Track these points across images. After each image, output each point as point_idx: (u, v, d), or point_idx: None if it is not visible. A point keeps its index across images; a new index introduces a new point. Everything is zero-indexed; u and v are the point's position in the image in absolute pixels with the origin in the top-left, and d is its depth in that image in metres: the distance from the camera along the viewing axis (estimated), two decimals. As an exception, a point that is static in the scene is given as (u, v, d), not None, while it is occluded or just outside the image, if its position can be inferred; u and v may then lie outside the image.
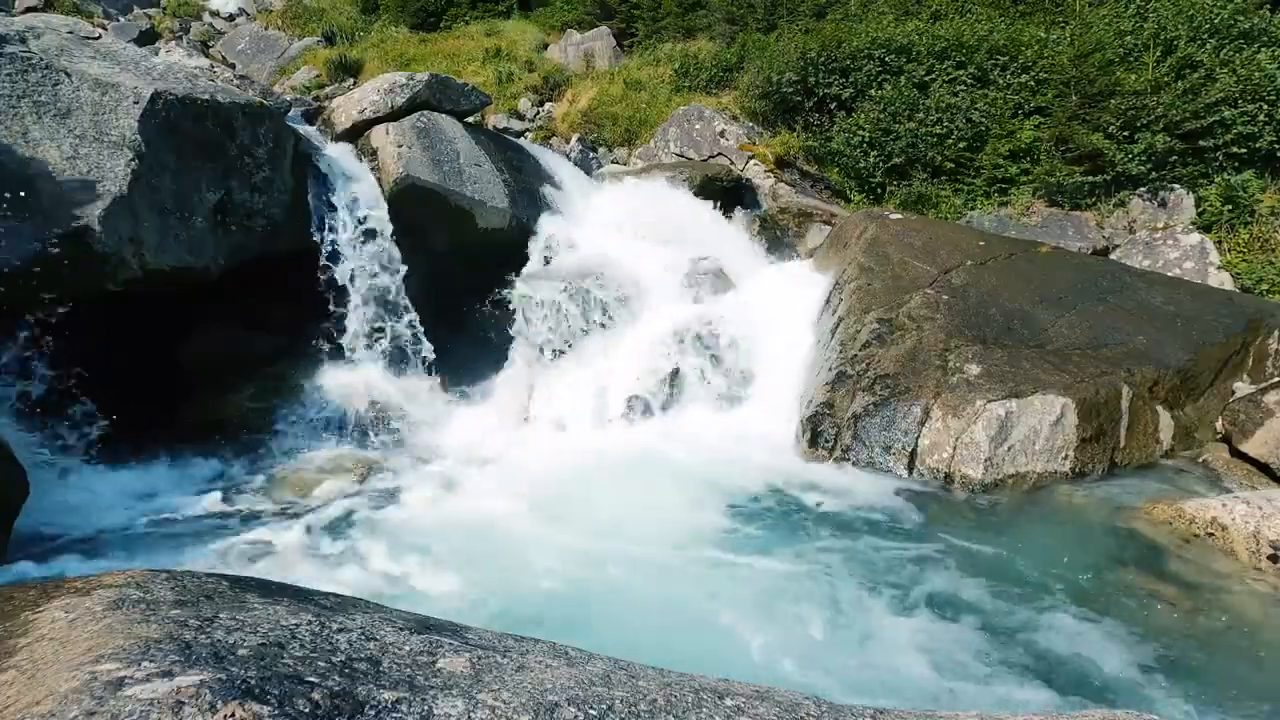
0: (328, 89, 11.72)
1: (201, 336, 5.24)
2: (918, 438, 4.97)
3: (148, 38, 12.58)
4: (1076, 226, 7.80)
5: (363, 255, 5.58)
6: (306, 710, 1.34)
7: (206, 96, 4.89)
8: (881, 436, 5.06)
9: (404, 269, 5.68)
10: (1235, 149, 7.73)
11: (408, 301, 5.71)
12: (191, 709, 1.25)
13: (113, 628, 1.59)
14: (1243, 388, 5.52)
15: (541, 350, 6.18)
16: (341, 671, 1.53)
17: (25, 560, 3.69)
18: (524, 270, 6.39)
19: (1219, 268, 7.13)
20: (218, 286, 4.95)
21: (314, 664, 1.54)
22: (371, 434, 5.39)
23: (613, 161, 9.67)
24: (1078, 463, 4.88)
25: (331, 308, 5.50)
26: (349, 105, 6.20)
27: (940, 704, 3.00)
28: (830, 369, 5.56)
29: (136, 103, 4.47)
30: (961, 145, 8.29)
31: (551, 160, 7.49)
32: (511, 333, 6.22)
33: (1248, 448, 5.07)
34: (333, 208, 5.54)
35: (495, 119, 10.97)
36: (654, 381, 5.97)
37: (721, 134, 9.01)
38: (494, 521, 4.35)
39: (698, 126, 9.21)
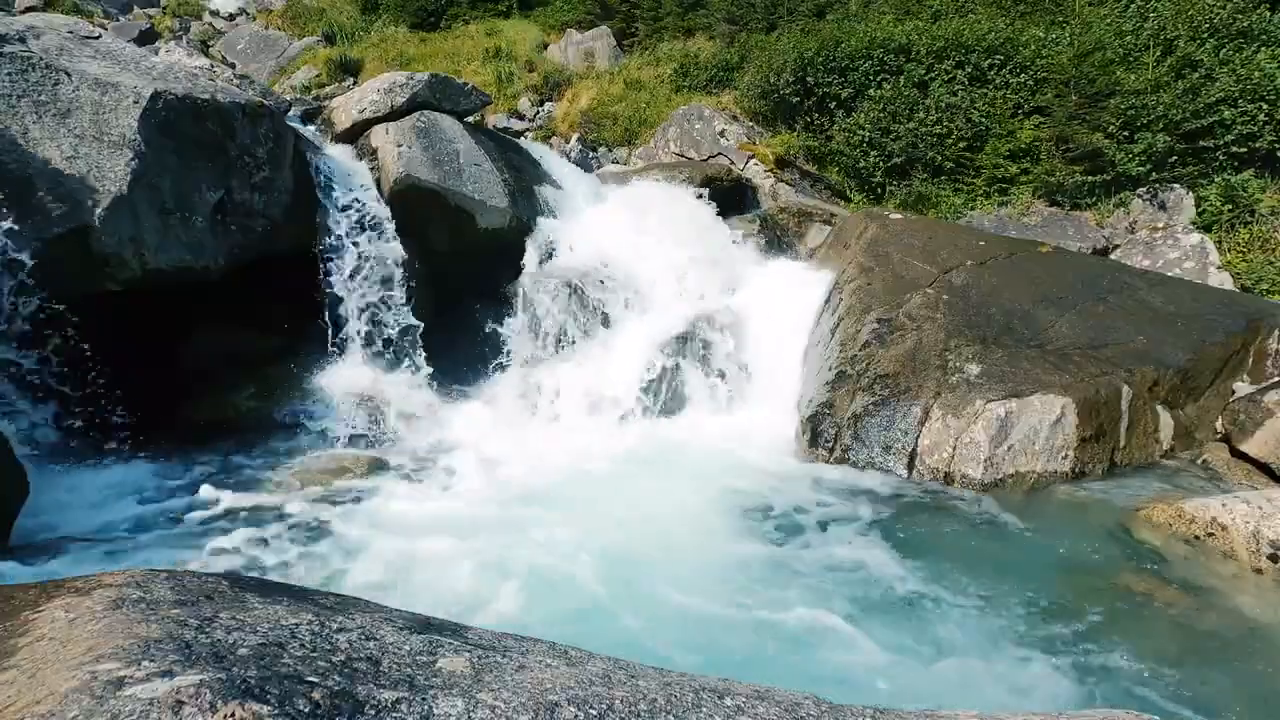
0: (328, 89, 11.73)
1: (201, 336, 5.23)
2: (918, 437, 4.97)
3: (148, 37, 12.59)
4: (1076, 226, 7.80)
5: (362, 255, 5.58)
6: (306, 710, 1.34)
7: (206, 96, 4.89)
8: (881, 436, 5.06)
9: (404, 268, 5.68)
10: (1235, 149, 7.73)
11: (407, 301, 5.72)
12: (191, 708, 1.25)
13: (113, 627, 1.59)
14: (1243, 388, 5.52)
15: (541, 350, 6.18)
16: (341, 671, 1.53)
17: (25, 560, 3.69)
18: (524, 270, 6.39)
19: (1219, 268, 7.13)
20: (218, 286, 4.95)
21: (314, 664, 1.54)
22: (371, 433, 5.38)
23: (613, 161, 9.67)
24: (1078, 462, 4.88)
25: (331, 307, 5.50)
26: (349, 105, 6.20)
27: (939, 703, 3.00)
28: (830, 369, 5.56)
29: (136, 102, 4.47)
30: (961, 145, 8.29)
31: (551, 160, 7.49)
32: (511, 332, 6.21)
33: (1248, 448, 5.07)
34: (332, 207, 5.54)
35: (495, 119, 10.98)
36: (654, 381, 5.97)
37: (721, 134, 9.01)
38: (494, 520, 4.35)
39: (698, 126, 9.21)
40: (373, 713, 1.38)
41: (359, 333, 5.57)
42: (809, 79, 9.02)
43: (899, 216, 7.02)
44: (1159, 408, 5.27)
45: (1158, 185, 7.86)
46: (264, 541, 4.06)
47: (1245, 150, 7.73)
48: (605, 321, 6.26)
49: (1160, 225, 7.64)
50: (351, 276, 5.54)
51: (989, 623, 3.55)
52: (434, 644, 1.78)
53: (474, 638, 1.93)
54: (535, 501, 4.60)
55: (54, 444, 4.41)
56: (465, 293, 6.32)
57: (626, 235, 6.87)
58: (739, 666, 3.12)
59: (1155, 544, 4.19)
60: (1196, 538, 4.19)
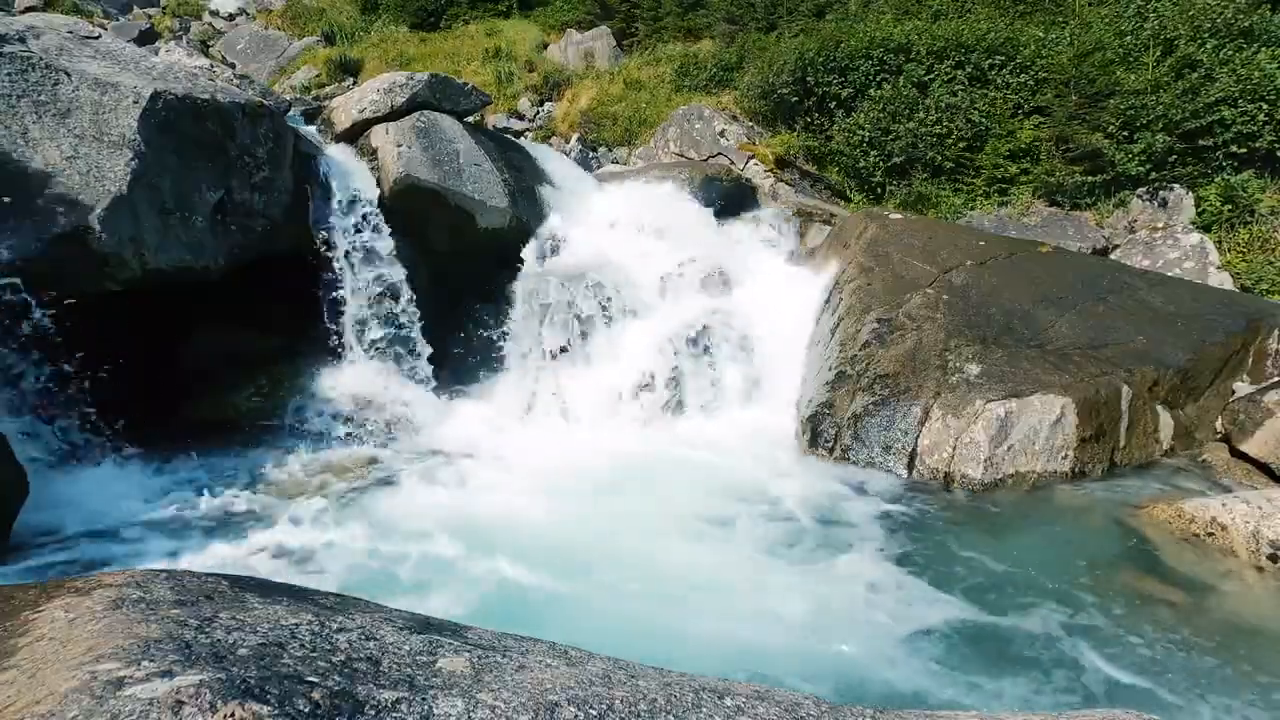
0: (328, 89, 11.74)
1: (201, 336, 5.23)
2: (918, 437, 4.97)
3: (148, 37, 12.59)
4: (1076, 226, 7.80)
5: (362, 255, 5.58)
6: (306, 710, 1.34)
7: (206, 96, 4.89)
8: (881, 436, 5.06)
9: (404, 268, 5.68)
10: (1235, 149, 7.73)
11: (407, 301, 5.71)
12: (191, 708, 1.25)
13: (113, 627, 1.59)
14: (1243, 388, 5.52)
15: (541, 349, 6.17)
16: (341, 671, 1.53)
17: (25, 560, 3.69)
18: (524, 269, 6.38)
19: (1219, 268, 7.13)
20: (218, 286, 4.94)
21: (314, 664, 1.54)
22: (371, 432, 5.39)
23: (613, 161, 9.67)
24: (1077, 462, 4.88)
25: (331, 307, 5.50)
26: (349, 105, 6.20)
27: (939, 703, 3.00)
28: (830, 369, 5.56)
29: (136, 102, 4.47)
30: (961, 145, 8.29)
31: (551, 160, 7.49)
32: (511, 331, 6.21)
33: (1248, 448, 5.07)
34: (332, 208, 5.54)
35: (495, 119, 10.98)
36: (652, 380, 5.97)
37: (721, 134, 9.00)
38: (494, 519, 4.35)
39: (698, 126, 9.21)
40: (373, 713, 1.38)
41: (359, 332, 5.57)
42: (809, 79, 9.02)
43: (899, 216, 7.02)
44: (1159, 408, 5.27)
45: (1157, 185, 7.86)
46: (263, 540, 4.06)
47: (1245, 150, 7.73)
48: (605, 321, 6.26)
49: (1160, 225, 7.64)
50: (351, 276, 5.54)
51: (988, 623, 3.55)
52: (434, 644, 1.78)
53: (474, 638, 1.93)
54: (534, 500, 4.60)
55: (54, 444, 4.41)
56: (465, 293, 6.31)
57: (626, 235, 6.87)
58: (736, 665, 3.12)
59: (1155, 544, 4.19)
60: (1196, 537, 4.19)
